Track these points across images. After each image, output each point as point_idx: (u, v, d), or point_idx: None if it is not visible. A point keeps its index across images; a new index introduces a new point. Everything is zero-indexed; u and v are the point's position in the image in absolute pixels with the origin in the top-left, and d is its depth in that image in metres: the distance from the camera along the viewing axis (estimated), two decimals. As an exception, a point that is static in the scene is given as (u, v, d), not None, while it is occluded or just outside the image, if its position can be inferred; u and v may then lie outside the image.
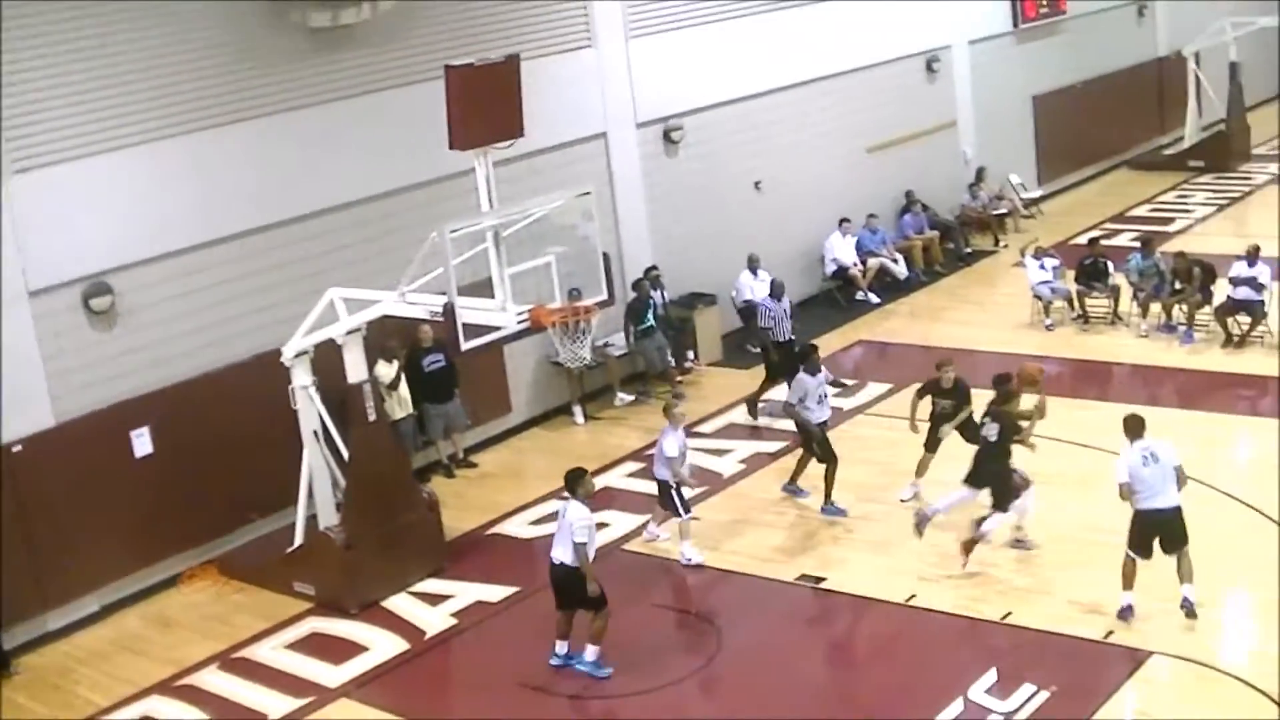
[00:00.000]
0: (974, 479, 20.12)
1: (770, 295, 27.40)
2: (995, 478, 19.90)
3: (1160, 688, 17.18)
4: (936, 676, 17.66)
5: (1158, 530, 18.36)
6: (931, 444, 22.77)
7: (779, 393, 27.00)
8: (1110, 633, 18.13)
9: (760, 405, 26.87)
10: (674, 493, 21.17)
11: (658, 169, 29.88)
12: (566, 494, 18.60)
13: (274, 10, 23.02)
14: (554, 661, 18.59)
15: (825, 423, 22.63)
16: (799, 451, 23.15)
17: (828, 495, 22.50)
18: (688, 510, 21.31)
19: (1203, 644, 17.86)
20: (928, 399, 22.73)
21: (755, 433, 26.13)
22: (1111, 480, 19.37)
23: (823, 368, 23.20)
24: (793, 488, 23.01)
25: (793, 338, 26.98)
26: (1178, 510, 18.29)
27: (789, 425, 25.34)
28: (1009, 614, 18.87)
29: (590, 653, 18.30)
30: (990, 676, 17.34)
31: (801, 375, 22.48)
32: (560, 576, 18.31)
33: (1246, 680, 16.88)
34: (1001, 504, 19.81)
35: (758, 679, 18.17)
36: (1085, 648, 17.88)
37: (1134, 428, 18.57)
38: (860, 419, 26.02)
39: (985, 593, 19.56)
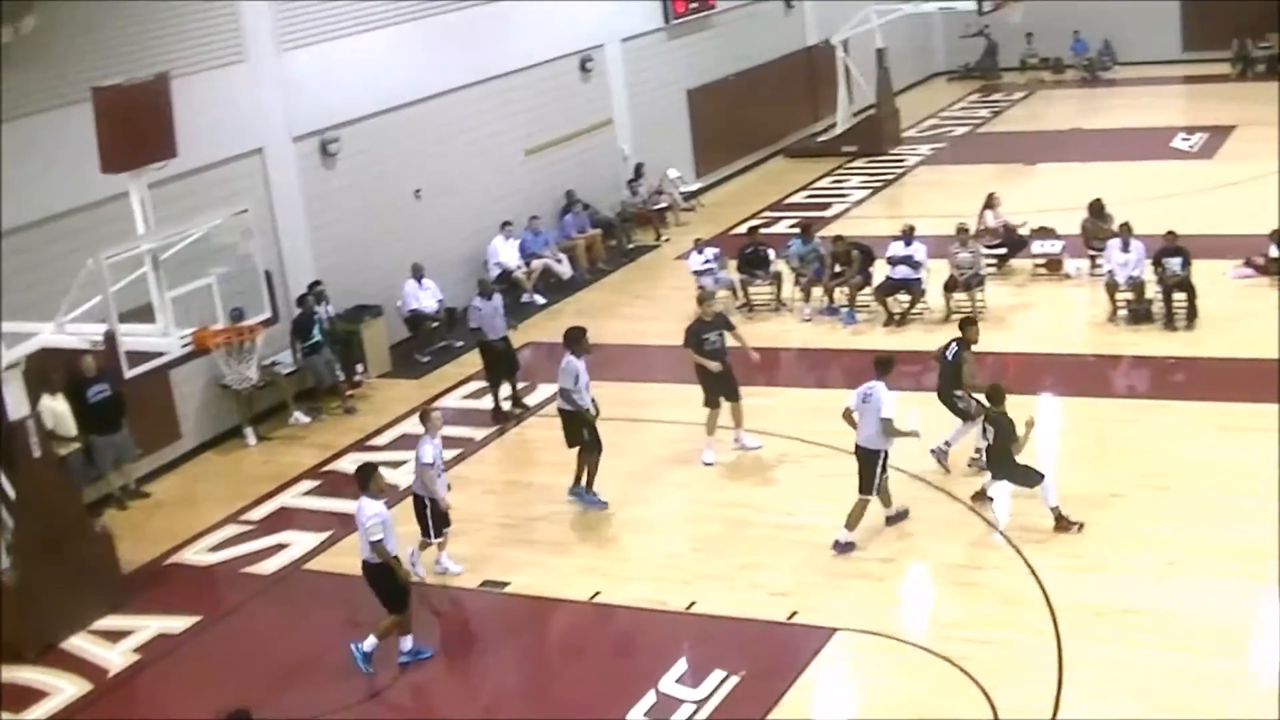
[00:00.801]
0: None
1: (480, 295, 27.30)
2: (1007, 470, 20.34)
3: (846, 662, 17.60)
4: (627, 671, 17.81)
5: (857, 460, 20.11)
6: (711, 396, 23.63)
7: (453, 400, 27.04)
8: (794, 613, 18.49)
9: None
10: (427, 510, 20.39)
11: (317, 182, 29.55)
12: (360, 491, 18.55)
13: (-91, 35, 22.20)
14: (401, 660, 18.58)
15: (591, 409, 22.33)
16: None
17: (590, 483, 22.39)
18: (439, 533, 20.59)
19: (884, 616, 18.33)
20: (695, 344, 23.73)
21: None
22: (790, 466, 19.89)
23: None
24: (580, 491, 22.50)
25: (506, 335, 27.24)
26: (865, 452, 20.03)
27: (466, 433, 25.44)
28: (694, 603, 19.07)
29: (368, 643, 18.31)
30: (680, 666, 17.56)
31: (571, 359, 22.11)
32: (367, 574, 18.45)
33: (927, 647, 17.42)
34: (1028, 483, 20.22)
35: (448, 690, 18.20)
36: (771, 630, 18.19)
37: (877, 367, 20.50)
38: (532, 421, 26.08)
39: (669, 584, 19.74)
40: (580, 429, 22.29)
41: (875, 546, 20.18)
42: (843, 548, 20.03)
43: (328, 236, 29.53)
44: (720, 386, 23.64)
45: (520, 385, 27.24)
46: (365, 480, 18.40)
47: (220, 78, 27.11)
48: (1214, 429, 22.87)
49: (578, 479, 22.46)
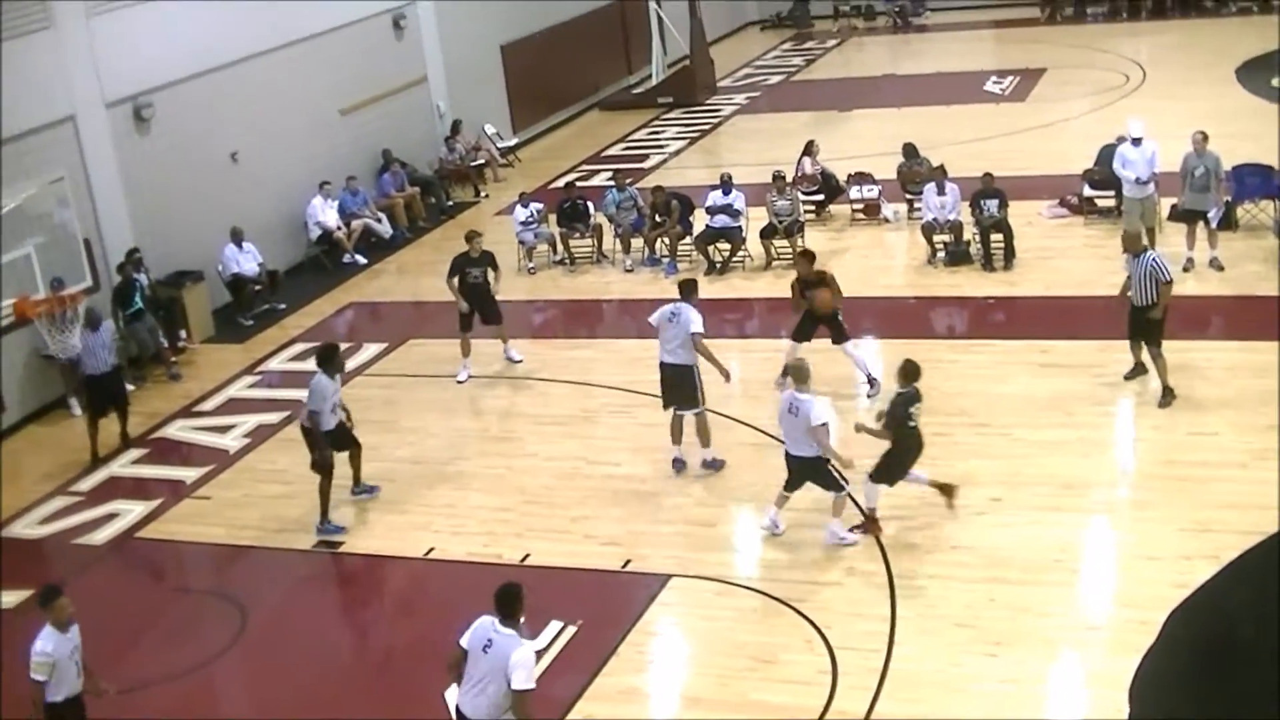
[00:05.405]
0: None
1: (86, 325, 24.30)
2: None
3: (682, 608, 17.81)
4: (465, 624, 17.79)
5: (666, 380, 20.97)
6: (465, 323, 25.27)
7: (277, 362, 26.84)
8: (628, 561, 18.66)
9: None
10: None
11: (132, 148, 29.10)
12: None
13: None
14: None
15: (337, 428, 21.15)
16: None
17: (324, 512, 20.86)
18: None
19: (717, 562, 18.59)
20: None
21: (257, 406, 25.78)
22: (614, 416, 20.11)
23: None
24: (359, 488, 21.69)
25: (116, 365, 24.87)
26: (678, 367, 20.72)
27: (293, 394, 25.31)
28: (528, 556, 19.18)
29: None
30: (517, 618, 17.68)
31: (321, 378, 20.79)
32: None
33: (761, 590, 17.67)
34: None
35: (286, 650, 18.12)
36: (606, 579, 18.34)
37: (682, 289, 21.29)
38: (359, 381, 26.01)
39: (502, 538, 19.85)
40: (323, 452, 20.89)
41: (704, 494, 20.43)
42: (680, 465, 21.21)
43: (145, 202, 29.15)
44: (479, 311, 25.40)
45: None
46: (44, 603, 15.17)
47: (27, 45, 26.61)
48: (1033, 366, 23.33)
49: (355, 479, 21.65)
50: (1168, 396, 21.51)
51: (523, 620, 13.36)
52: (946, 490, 18.73)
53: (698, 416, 20.93)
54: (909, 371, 18.40)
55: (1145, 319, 21.43)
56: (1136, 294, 21.44)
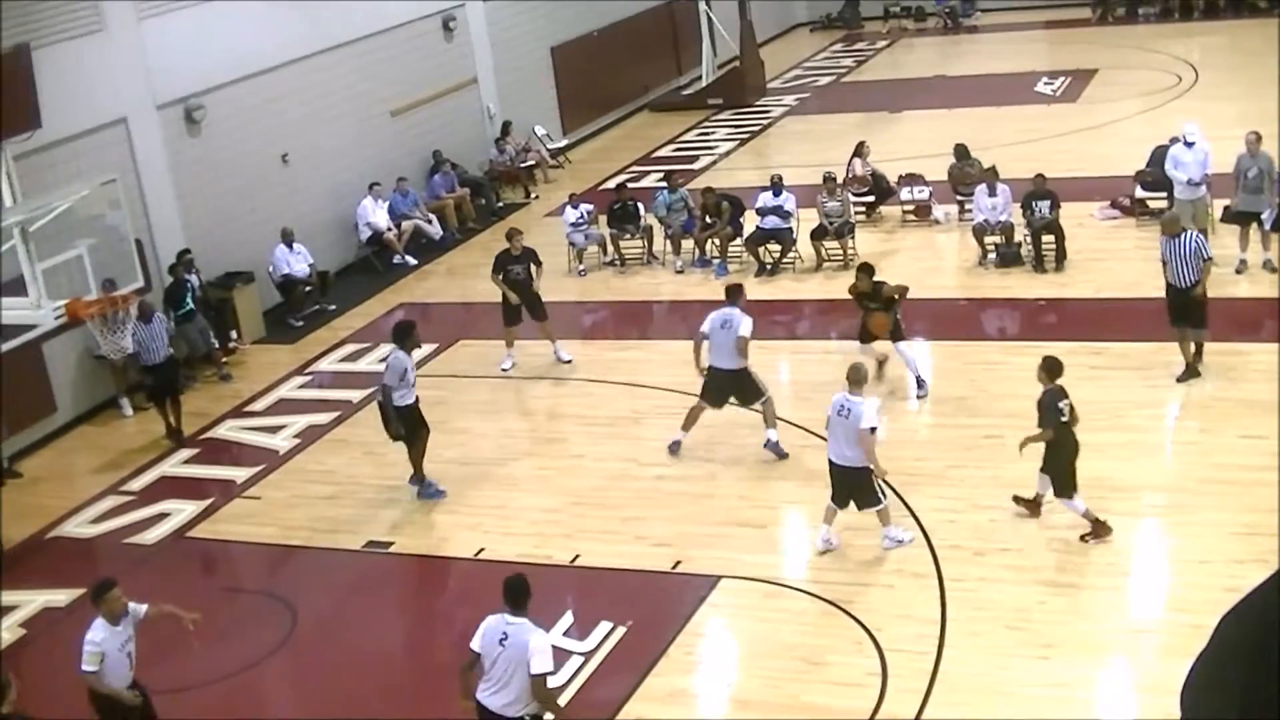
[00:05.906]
0: None
1: (139, 318, 24.92)
2: None
3: (732, 609, 17.81)
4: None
5: (721, 384, 21.22)
6: (510, 317, 25.59)
7: (328, 363, 26.92)
8: (678, 563, 18.65)
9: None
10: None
11: (183, 150, 29.24)
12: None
13: None
14: None
15: (412, 405, 21.36)
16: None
17: (419, 473, 21.64)
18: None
19: (767, 563, 18.58)
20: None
21: (307, 406, 25.87)
22: (665, 417, 20.09)
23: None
24: (417, 482, 21.79)
25: (171, 355, 25.57)
26: (734, 372, 21.19)
27: (344, 395, 25.39)
28: (578, 557, 19.20)
29: None
30: (567, 619, 17.66)
31: (399, 354, 21.05)
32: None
33: (811, 592, 17.68)
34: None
35: (336, 650, 18.17)
36: (656, 580, 18.36)
37: (729, 293, 21.78)
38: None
39: (552, 539, 19.87)
40: (396, 426, 21.28)
41: (756, 494, 20.40)
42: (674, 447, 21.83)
43: (196, 204, 29.28)
44: (525, 306, 25.63)
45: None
46: (97, 597, 15.31)
47: (80, 47, 26.72)
48: (1083, 369, 23.18)
49: (417, 474, 21.74)
50: (1191, 373, 21.90)
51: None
52: (1033, 505, 18.64)
53: (765, 404, 21.26)
54: (1051, 368, 18.04)
55: (1189, 299, 21.58)
56: (1179, 276, 21.59)
